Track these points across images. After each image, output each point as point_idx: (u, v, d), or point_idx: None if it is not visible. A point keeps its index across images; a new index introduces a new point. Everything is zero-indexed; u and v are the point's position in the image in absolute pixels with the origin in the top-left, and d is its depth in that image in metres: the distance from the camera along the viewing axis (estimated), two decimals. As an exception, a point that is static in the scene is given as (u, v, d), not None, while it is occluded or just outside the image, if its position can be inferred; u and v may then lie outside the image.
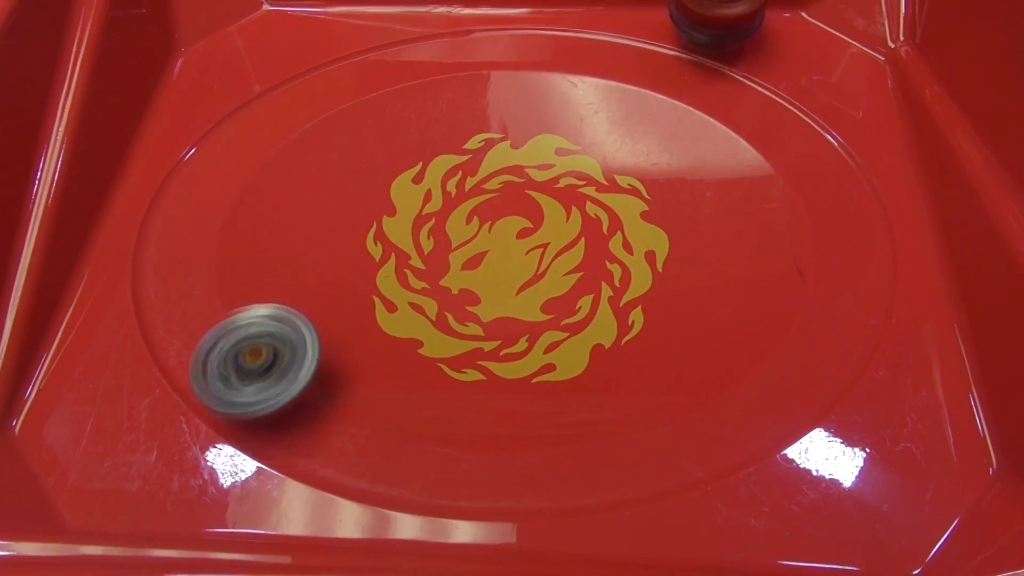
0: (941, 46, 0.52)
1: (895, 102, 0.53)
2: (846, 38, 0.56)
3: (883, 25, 0.56)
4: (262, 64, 0.57)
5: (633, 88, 0.55)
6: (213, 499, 0.39)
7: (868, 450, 0.40)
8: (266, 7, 0.60)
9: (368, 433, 0.41)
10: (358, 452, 0.41)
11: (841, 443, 0.40)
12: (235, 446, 0.41)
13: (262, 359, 0.40)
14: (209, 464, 0.40)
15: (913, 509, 0.38)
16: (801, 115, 0.53)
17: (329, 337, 0.45)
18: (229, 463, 0.40)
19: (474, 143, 0.54)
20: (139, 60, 0.55)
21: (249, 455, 0.40)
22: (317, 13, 0.60)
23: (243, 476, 0.40)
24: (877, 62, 0.55)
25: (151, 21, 0.56)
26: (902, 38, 0.55)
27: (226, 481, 0.40)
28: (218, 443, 0.41)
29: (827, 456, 0.40)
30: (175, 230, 0.49)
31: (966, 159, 0.46)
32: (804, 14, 0.58)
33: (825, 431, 0.41)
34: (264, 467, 0.40)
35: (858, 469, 0.40)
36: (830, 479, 0.39)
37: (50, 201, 0.46)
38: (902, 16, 0.55)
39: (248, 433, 0.41)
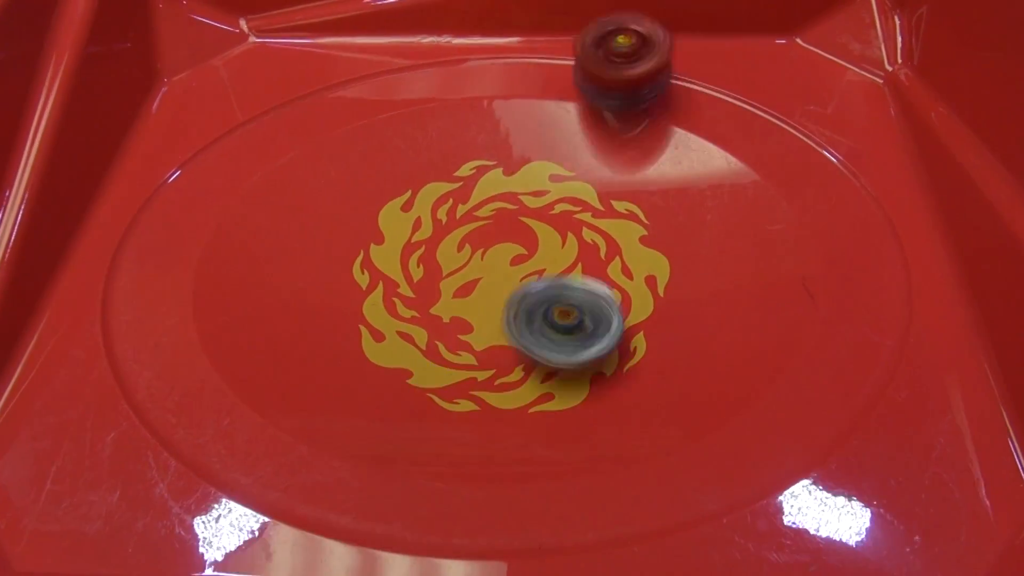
0: (941, 66, 0.51)
1: (897, 123, 0.52)
2: (843, 62, 0.56)
3: (880, 48, 0.55)
4: (248, 94, 0.56)
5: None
6: (181, 541, 0.36)
7: (895, 477, 0.37)
8: (252, 39, 0.58)
9: (352, 467, 0.38)
10: (342, 488, 0.37)
11: (865, 470, 0.37)
12: (207, 482, 0.37)
13: (571, 320, 0.41)
14: (178, 503, 0.37)
15: (948, 539, 0.35)
16: (803, 138, 0.52)
17: (313, 367, 0.43)
18: (200, 501, 0.37)
19: (465, 170, 0.52)
20: (119, 91, 0.53)
21: (221, 492, 0.37)
22: (306, 45, 0.59)
23: (215, 515, 0.36)
24: (876, 85, 0.54)
25: (133, 53, 0.55)
26: (900, 60, 0.54)
27: (196, 521, 0.36)
28: (188, 480, 0.37)
29: (851, 483, 0.37)
30: (151, 258, 0.47)
31: (978, 176, 0.45)
32: (799, 40, 0.57)
33: (847, 457, 0.38)
34: (238, 505, 0.37)
35: (885, 497, 0.36)
36: (855, 508, 0.36)
37: (17, 226, 0.44)
38: (899, 39, 0.55)
39: (221, 469, 0.38)
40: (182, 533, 0.36)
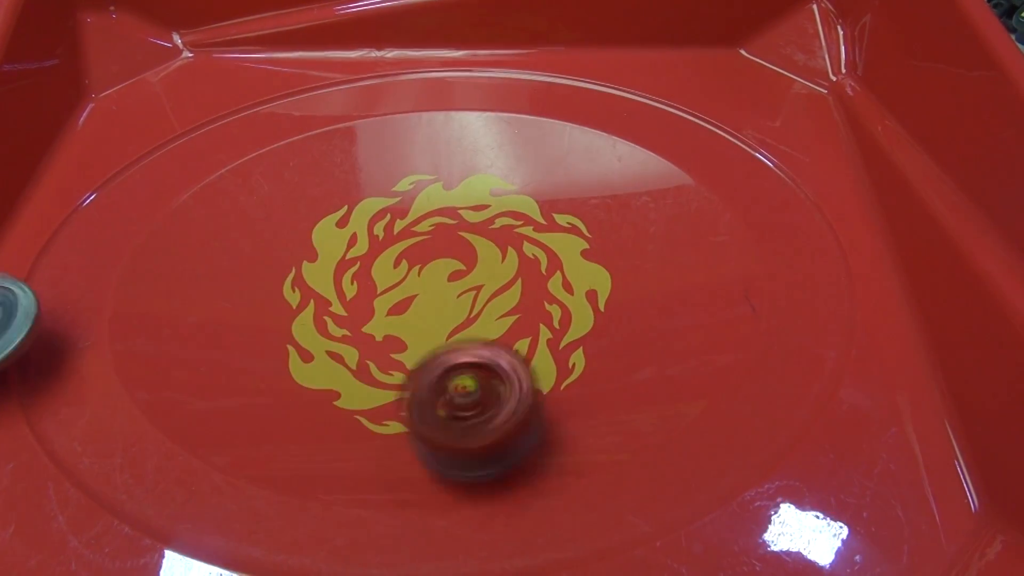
0: (884, 76, 0.50)
1: (841, 133, 0.51)
2: (787, 73, 0.55)
3: (823, 59, 0.55)
4: (180, 109, 0.54)
5: (570, 125, 0.53)
6: (79, 578, 0.33)
7: (837, 495, 0.36)
8: (186, 54, 0.57)
9: (269, 495, 0.36)
10: (254, 517, 0.35)
11: (807, 488, 0.36)
12: (110, 513, 0.35)
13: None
14: (77, 537, 0.34)
15: (890, 559, 0.33)
16: (747, 148, 0.51)
17: (235, 390, 0.40)
18: (101, 535, 0.34)
19: (404, 185, 0.50)
20: (43, 106, 0.51)
21: (125, 523, 0.35)
22: (241, 59, 0.57)
23: (117, 549, 0.34)
24: (821, 96, 0.54)
25: (59, 68, 0.53)
26: (844, 71, 0.54)
27: (96, 556, 0.34)
28: (90, 512, 0.35)
29: (791, 503, 0.35)
30: (67, 279, 0.45)
31: (921, 188, 0.44)
32: (742, 51, 0.56)
33: (788, 475, 0.36)
34: (142, 537, 0.34)
35: (827, 517, 0.35)
36: (795, 529, 0.35)
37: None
38: (842, 49, 0.54)
39: (127, 499, 0.35)
40: (79, 570, 0.33)
